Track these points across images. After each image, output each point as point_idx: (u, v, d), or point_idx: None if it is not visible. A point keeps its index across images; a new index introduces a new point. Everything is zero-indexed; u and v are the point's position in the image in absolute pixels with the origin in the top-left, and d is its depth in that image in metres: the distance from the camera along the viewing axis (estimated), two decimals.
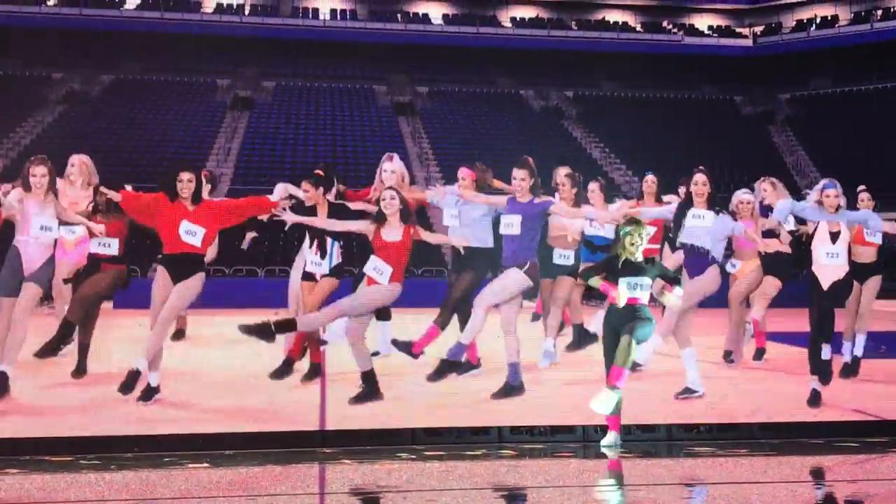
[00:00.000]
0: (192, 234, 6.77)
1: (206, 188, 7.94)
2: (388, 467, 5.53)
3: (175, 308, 6.77)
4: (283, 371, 7.89)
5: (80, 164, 8.63)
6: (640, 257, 5.98)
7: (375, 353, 7.70)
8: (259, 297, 15.49)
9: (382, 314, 8.50)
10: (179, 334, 10.49)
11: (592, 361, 8.38)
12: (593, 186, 8.93)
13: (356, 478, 5.34)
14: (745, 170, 28.79)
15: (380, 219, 7.07)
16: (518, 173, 7.13)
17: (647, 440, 6.15)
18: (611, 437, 5.95)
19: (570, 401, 6.88)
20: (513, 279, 7.03)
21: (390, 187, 7.29)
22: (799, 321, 8.39)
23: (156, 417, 6.36)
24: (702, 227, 7.20)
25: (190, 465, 5.48)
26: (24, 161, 7.09)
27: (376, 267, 6.95)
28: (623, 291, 5.88)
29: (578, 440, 6.17)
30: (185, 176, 6.80)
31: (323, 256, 7.74)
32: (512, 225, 7.08)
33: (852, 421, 6.50)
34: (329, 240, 7.71)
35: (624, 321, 5.88)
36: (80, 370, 7.78)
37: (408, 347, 7.37)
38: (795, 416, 6.53)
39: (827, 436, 6.23)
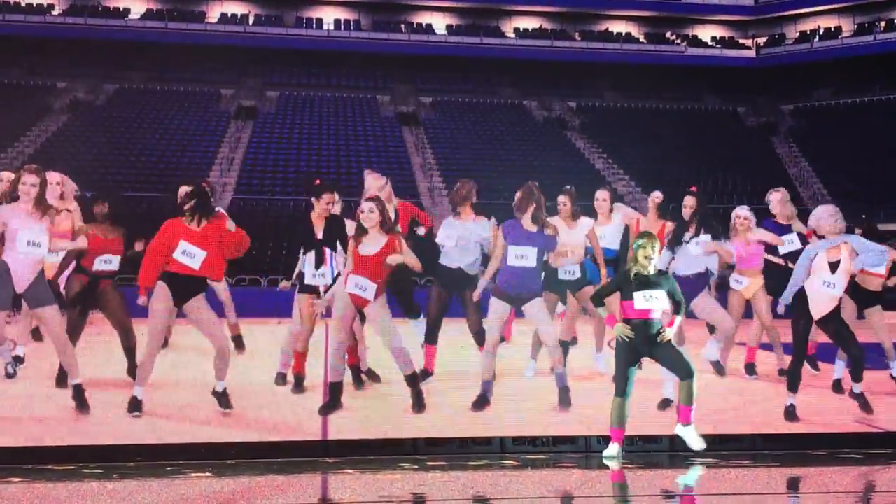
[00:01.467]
0: (189, 255, 6.52)
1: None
2: (390, 477, 5.53)
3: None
4: (297, 387, 7.68)
5: (62, 178, 8.08)
6: (652, 270, 6.00)
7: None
8: (263, 307, 15.46)
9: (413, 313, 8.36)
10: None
11: (595, 373, 8.39)
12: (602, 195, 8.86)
13: (358, 487, 5.34)
14: (748, 181, 28.80)
15: (360, 232, 6.88)
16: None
17: (650, 451, 6.15)
18: (613, 449, 5.94)
19: (572, 411, 6.87)
20: (546, 307, 7.31)
21: (371, 198, 7.06)
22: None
23: (158, 427, 6.35)
24: (695, 254, 7.18)
25: (192, 475, 5.48)
26: None
27: (357, 284, 6.80)
28: (639, 304, 5.95)
29: (580, 451, 6.17)
30: (182, 190, 6.60)
31: (319, 267, 7.58)
32: (526, 257, 7.02)
33: (855, 432, 6.48)
34: (327, 251, 7.61)
35: (639, 336, 5.93)
36: (132, 372, 7.74)
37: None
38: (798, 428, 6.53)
39: (830, 447, 6.23)
